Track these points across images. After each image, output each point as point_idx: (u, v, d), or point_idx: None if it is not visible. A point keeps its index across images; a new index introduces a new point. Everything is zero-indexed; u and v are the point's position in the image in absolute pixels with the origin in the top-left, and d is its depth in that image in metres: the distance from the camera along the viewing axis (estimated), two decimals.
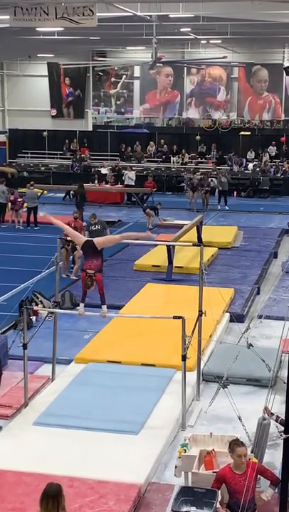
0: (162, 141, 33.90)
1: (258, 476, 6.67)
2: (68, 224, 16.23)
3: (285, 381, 6.84)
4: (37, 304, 12.74)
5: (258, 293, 14.95)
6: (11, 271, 16.41)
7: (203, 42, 30.70)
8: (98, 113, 36.62)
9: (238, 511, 6.21)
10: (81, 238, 8.65)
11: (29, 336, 9.38)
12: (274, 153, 32.58)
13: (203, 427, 8.85)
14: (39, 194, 23.16)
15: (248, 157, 32.70)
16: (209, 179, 27.25)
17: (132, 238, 8.96)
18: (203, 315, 9.57)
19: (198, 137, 33.93)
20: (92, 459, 7.82)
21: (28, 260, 16.92)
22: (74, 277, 15.48)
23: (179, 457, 7.33)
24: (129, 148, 33.51)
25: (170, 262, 15.80)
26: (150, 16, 20.37)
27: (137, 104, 35.24)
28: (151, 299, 13.73)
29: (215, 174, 29.04)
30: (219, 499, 6.48)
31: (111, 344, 11.25)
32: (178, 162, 32.80)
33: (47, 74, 35.24)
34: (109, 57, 34.14)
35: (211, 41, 30.38)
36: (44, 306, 12.69)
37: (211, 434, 7.73)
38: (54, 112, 35.76)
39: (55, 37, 24.32)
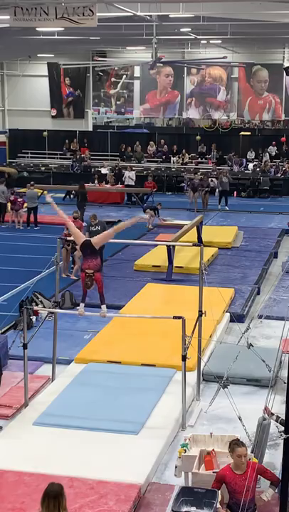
0: (162, 141, 33.90)
1: (258, 476, 6.67)
2: None
3: (285, 381, 6.85)
4: (37, 304, 12.74)
5: (258, 293, 14.95)
6: (11, 271, 16.41)
7: (203, 42, 30.72)
8: (98, 113, 36.63)
9: (238, 511, 6.21)
10: (81, 238, 8.64)
11: (29, 336, 9.37)
12: (274, 154, 32.58)
13: (203, 427, 8.84)
14: (39, 194, 23.16)
15: (248, 157, 32.70)
16: (209, 179, 27.25)
17: (124, 227, 8.95)
18: (203, 315, 9.56)
19: (198, 137, 33.93)
20: (92, 459, 7.82)
21: (28, 260, 16.92)
22: (74, 277, 15.47)
23: (179, 457, 7.33)
24: (129, 148, 33.51)
25: (170, 262, 15.80)
26: (150, 16, 20.37)
27: (137, 104, 35.25)
28: (151, 299, 13.72)
29: (215, 174, 29.05)
30: (219, 499, 6.48)
31: (111, 344, 11.24)
32: (178, 162, 32.80)
33: (47, 74, 35.26)
34: (109, 57, 34.14)
35: (211, 41, 30.40)
36: (44, 306, 12.70)
37: (211, 434, 7.73)
38: (54, 112, 35.77)
39: (55, 37, 24.34)
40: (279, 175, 30.87)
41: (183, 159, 32.81)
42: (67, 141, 34.23)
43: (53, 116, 35.83)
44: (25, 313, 9.56)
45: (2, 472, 7.54)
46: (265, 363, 8.46)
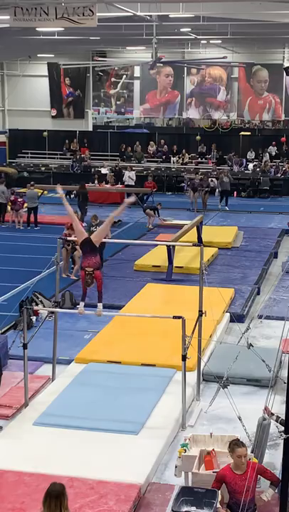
0: (162, 141, 33.91)
1: (258, 476, 6.67)
2: (67, 224, 16.34)
3: (285, 381, 6.85)
4: (37, 304, 12.74)
5: (258, 293, 14.95)
6: (11, 271, 16.41)
7: (203, 42, 30.72)
8: (98, 113, 36.63)
9: (238, 511, 6.21)
10: (83, 236, 8.64)
11: (29, 335, 9.38)
12: (274, 154, 32.58)
13: (203, 427, 8.84)
14: (39, 194, 23.17)
15: (248, 157, 32.70)
16: (209, 179, 27.25)
17: (117, 215, 9.04)
18: (203, 315, 9.56)
19: (198, 137, 33.94)
20: (92, 459, 7.82)
21: (28, 260, 16.93)
22: (74, 277, 15.47)
23: (179, 457, 7.33)
24: (129, 148, 33.52)
25: (170, 262, 15.80)
26: (150, 16, 20.37)
27: (137, 104, 35.25)
28: (151, 299, 13.72)
29: (215, 174, 29.05)
30: (219, 499, 6.49)
31: (111, 344, 11.25)
32: (178, 162, 32.81)
33: (47, 74, 35.26)
34: (110, 57, 34.15)
35: (211, 41, 30.40)
36: (44, 306, 12.69)
37: (211, 434, 7.73)
38: (54, 112, 35.77)
39: (55, 37, 24.33)
40: (279, 175, 30.87)
41: (183, 159, 32.81)
42: (67, 141, 34.24)
43: (53, 117, 35.83)
44: (26, 313, 9.56)
45: (2, 472, 7.54)
46: (265, 363, 8.46)
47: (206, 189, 25.50)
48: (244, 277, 16.00)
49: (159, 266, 16.37)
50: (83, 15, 16.28)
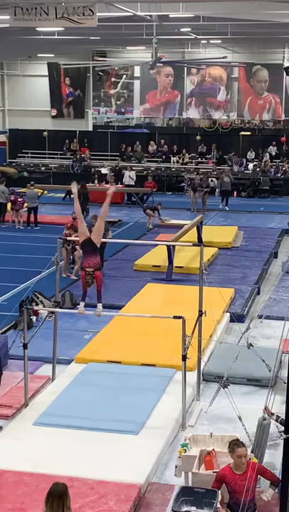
0: (162, 141, 33.92)
1: (258, 476, 6.67)
2: (67, 224, 16.35)
3: (285, 381, 6.85)
4: (37, 304, 12.74)
5: (258, 293, 14.95)
6: (11, 271, 16.41)
7: (203, 42, 30.73)
8: (98, 113, 36.64)
9: (238, 511, 6.21)
10: (85, 236, 8.63)
11: (29, 335, 9.37)
12: (274, 154, 32.58)
13: (203, 427, 8.84)
14: (39, 194, 23.17)
15: (248, 157, 32.71)
16: (209, 179, 27.25)
17: (107, 209, 9.08)
18: (203, 315, 9.56)
19: (198, 137, 33.94)
20: (92, 459, 7.82)
21: (28, 260, 16.93)
22: (74, 277, 15.47)
23: (179, 457, 7.33)
24: (130, 148, 33.52)
25: (170, 262, 15.80)
26: (150, 15, 20.39)
27: (137, 104, 35.26)
28: (151, 299, 13.72)
29: (215, 174, 29.04)
30: (219, 499, 6.49)
31: (111, 344, 11.24)
32: (178, 162, 32.81)
33: (47, 74, 35.28)
34: (110, 57, 34.16)
35: (211, 41, 30.41)
36: (44, 306, 12.69)
37: (211, 434, 7.73)
38: (54, 112, 35.78)
39: (55, 37, 24.34)
40: (279, 175, 30.88)
41: (183, 159, 32.82)
42: (67, 141, 34.24)
43: (53, 116, 35.84)
44: (26, 313, 9.56)
45: (2, 472, 7.54)
46: (265, 363, 8.46)
47: (206, 189, 25.50)
48: (244, 277, 16.00)
49: (159, 266, 16.37)
50: (83, 15, 16.28)
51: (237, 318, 12.35)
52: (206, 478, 6.88)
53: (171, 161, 32.90)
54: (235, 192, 29.28)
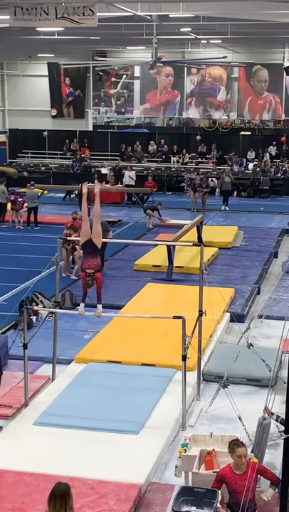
0: (162, 141, 33.92)
1: (258, 476, 6.67)
2: (67, 224, 16.35)
3: (285, 381, 6.85)
4: (37, 304, 12.74)
5: (258, 293, 14.95)
6: (11, 271, 16.41)
7: (203, 42, 30.72)
8: (98, 113, 36.64)
9: (239, 511, 6.21)
10: (87, 237, 8.62)
11: (29, 335, 9.37)
12: (274, 153, 32.58)
13: (203, 427, 8.84)
14: (39, 194, 23.17)
15: (248, 157, 32.71)
16: (209, 179, 27.24)
17: (98, 207, 9.09)
18: (203, 315, 9.56)
19: (198, 137, 33.95)
20: (92, 458, 7.82)
21: (28, 260, 16.93)
22: (74, 277, 15.47)
23: (180, 457, 7.33)
24: (130, 148, 33.52)
25: (170, 261, 15.80)
26: (150, 15, 20.38)
27: (137, 104, 35.26)
28: (151, 299, 13.72)
29: (215, 174, 29.02)
30: (219, 499, 6.49)
31: (111, 344, 11.24)
32: (178, 162, 32.81)
33: (47, 74, 35.27)
34: (110, 57, 34.16)
35: (211, 41, 30.40)
36: (44, 306, 12.70)
37: (211, 434, 7.73)
38: (54, 112, 35.78)
39: (55, 37, 24.34)
40: (279, 175, 30.88)
41: (183, 159, 32.82)
42: (67, 141, 34.25)
43: (53, 116, 35.84)
44: (26, 313, 9.56)
45: (2, 472, 7.54)
46: (265, 362, 8.46)
47: (206, 190, 25.48)
48: (244, 277, 16.00)
49: (159, 266, 16.37)
50: (83, 15, 16.28)
51: (237, 318, 12.34)
52: (206, 478, 6.88)
53: (171, 161, 32.89)
54: (235, 192, 29.27)
